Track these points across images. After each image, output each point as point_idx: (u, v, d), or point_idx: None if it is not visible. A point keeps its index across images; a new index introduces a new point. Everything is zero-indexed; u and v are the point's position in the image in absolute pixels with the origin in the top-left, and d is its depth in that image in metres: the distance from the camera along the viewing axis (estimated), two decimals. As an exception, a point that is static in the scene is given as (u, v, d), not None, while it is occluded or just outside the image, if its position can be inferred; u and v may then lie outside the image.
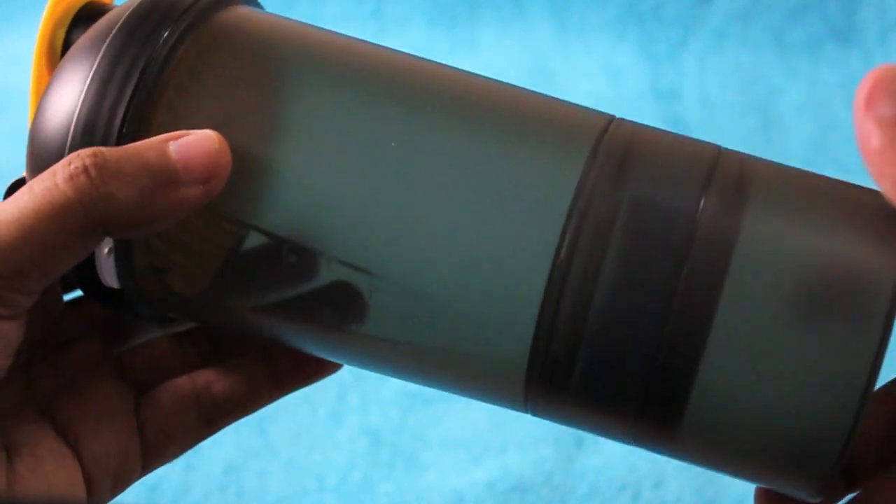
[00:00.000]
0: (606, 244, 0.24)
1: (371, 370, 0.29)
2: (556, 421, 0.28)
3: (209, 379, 0.29)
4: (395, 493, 0.48)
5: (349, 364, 0.29)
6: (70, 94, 0.25)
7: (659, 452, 0.27)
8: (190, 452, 0.50)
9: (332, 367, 0.30)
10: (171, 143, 0.24)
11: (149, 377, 0.29)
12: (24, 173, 0.27)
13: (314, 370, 0.30)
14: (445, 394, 0.31)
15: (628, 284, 0.24)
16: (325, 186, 0.26)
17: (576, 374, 0.25)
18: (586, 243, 0.24)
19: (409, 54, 0.29)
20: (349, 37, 0.29)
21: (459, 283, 0.26)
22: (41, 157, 0.25)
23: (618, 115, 0.27)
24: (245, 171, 0.25)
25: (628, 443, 0.27)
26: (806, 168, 0.26)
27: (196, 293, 0.27)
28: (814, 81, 0.71)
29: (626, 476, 0.47)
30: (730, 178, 0.25)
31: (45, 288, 0.24)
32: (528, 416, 0.49)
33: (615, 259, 0.24)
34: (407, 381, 0.29)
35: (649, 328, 0.24)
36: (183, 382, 0.29)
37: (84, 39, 0.26)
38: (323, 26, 0.30)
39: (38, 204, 0.23)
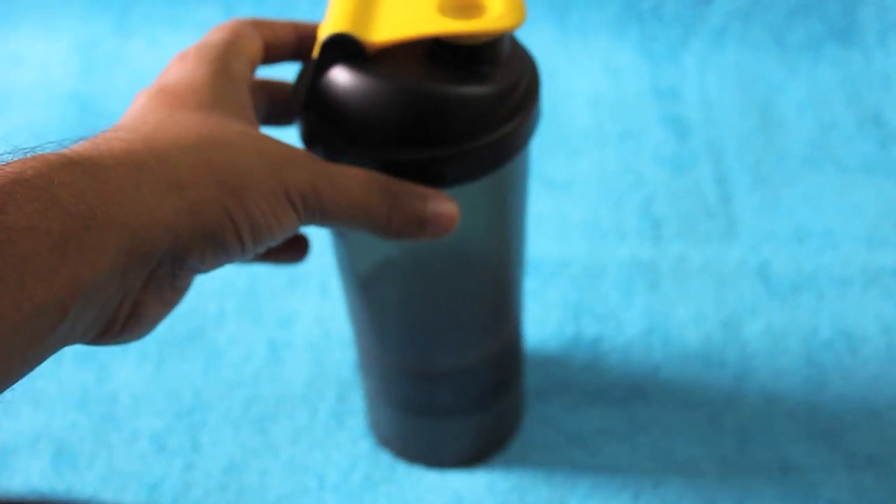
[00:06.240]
0: None
1: None
2: None
3: None
4: (396, 492, 0.48)
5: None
6: None
7: None
8: (190, 452, 0.50)
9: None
10: (430, 201, 0.32)
11: None
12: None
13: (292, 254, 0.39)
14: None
15: None
16: None
17: None
18: None
19: None
20: None
21: None
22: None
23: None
24: None
25: None
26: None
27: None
28: (814, 81, 0.72)
29: (626, 476, 0.47)
30: None
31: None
32: (529, 416, 0.49)
33: None
34: None
35: None
36: None
37: None
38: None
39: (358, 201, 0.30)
